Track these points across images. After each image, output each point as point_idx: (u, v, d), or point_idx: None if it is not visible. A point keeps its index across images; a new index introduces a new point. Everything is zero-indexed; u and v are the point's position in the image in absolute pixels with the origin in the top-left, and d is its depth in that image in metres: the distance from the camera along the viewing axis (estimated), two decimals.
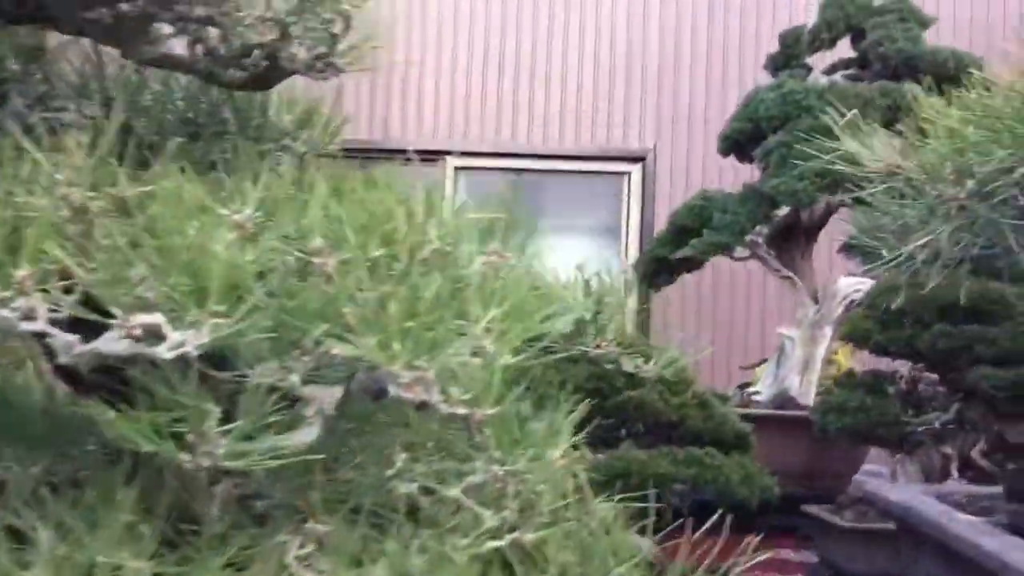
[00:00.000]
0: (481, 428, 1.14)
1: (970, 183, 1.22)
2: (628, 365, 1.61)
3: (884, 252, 1.45)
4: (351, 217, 0.96)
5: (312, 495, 0.95)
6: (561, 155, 6.18)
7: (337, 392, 0.89)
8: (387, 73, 6.26)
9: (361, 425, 1.12)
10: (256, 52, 0.99)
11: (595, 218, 6.34)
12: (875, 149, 1.34)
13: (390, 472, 1.04)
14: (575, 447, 1.22)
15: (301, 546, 0.97)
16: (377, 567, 0.96)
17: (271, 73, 1.02)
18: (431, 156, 5.93)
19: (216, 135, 1.21)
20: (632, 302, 5.47)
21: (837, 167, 1.44)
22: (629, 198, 6.29)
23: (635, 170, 6.31)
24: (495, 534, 1.06)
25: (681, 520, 1.14)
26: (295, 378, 0.83)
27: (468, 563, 1.01)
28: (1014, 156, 1.10)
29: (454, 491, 1.08)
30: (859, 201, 1.48)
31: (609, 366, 1.64)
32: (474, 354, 0.89)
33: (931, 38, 3.59)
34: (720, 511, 1.11)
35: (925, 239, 1.32)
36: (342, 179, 1.04)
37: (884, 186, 1.39)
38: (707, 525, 1.06)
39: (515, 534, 1.07)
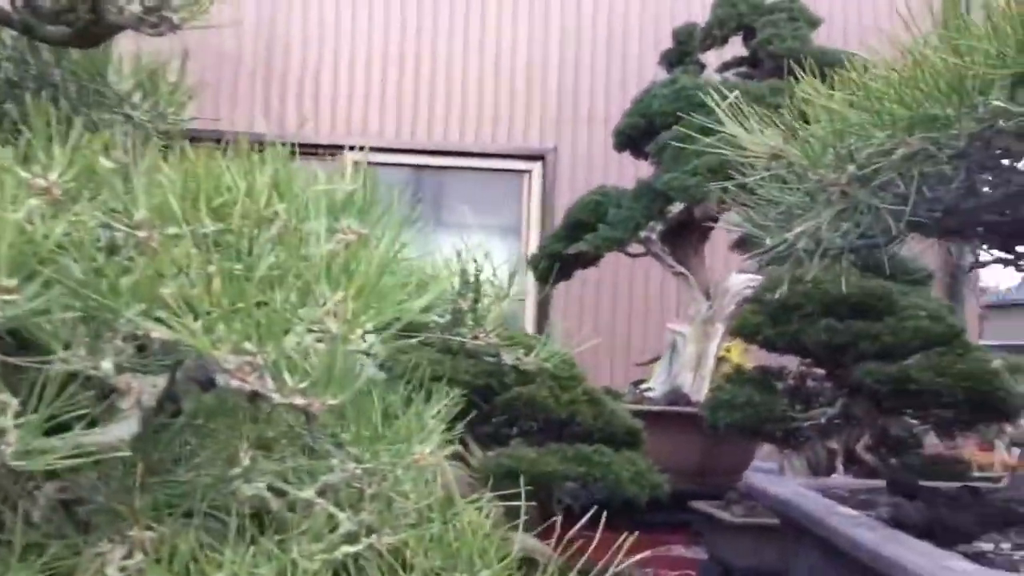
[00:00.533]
0: (342, 422, 1.05)
1: (850, 167, 1.18)
2: (508, 357, 1.54)
3: (767, 240, 1.41)
4: (183, 188, 0.86)
5: (137, 498, 0.85)
6: (461, 152, 6.11)
7: (160, 382, 0.80)
8: (283, 65, 6.08)
9: (205, 421, 1.02)
10: (80, 5, 0.88)
11: (495, 216, 6.29)
12: (758, 133, 1.29)
13: (234, 472, 0.94)
14: (454, 443, 1.15)
15: (128, 555, 0.87)
16: None
17: (97, 28, 0.91)
18: (329, 151, 5.78)
19: (51, 100, 1.09)
20: (531, 299, 5.44)
21: (722, 153, 1.39)
22: (529, 197, 6.25)
23: (535, 168, 6.27)
24: (351, 538, 0.98)
25: (573, 519, 1.08)
26: (107, 365, 0.73)
27: (320, 570, 0.92)
28: (893, 138, 1.07)
29: (307, 492, 0.98)
30: (743, 189, 1.44)
31: (490, 359, 1.56)
32: (318, 339, 0.80)
33: (823, 42, 3.64)
34: (594, 509, 1.05)
35: (805, 226, 1.28)
36: (182, 152, 0.94)
37: (768, 173, 1.35)
38: (580, 524, 1.00)
39: (373, 538, 0.99)
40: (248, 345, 0.71)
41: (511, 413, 2.45)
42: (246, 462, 0.96)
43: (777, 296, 2.34)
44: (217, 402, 1.04)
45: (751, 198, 1.42)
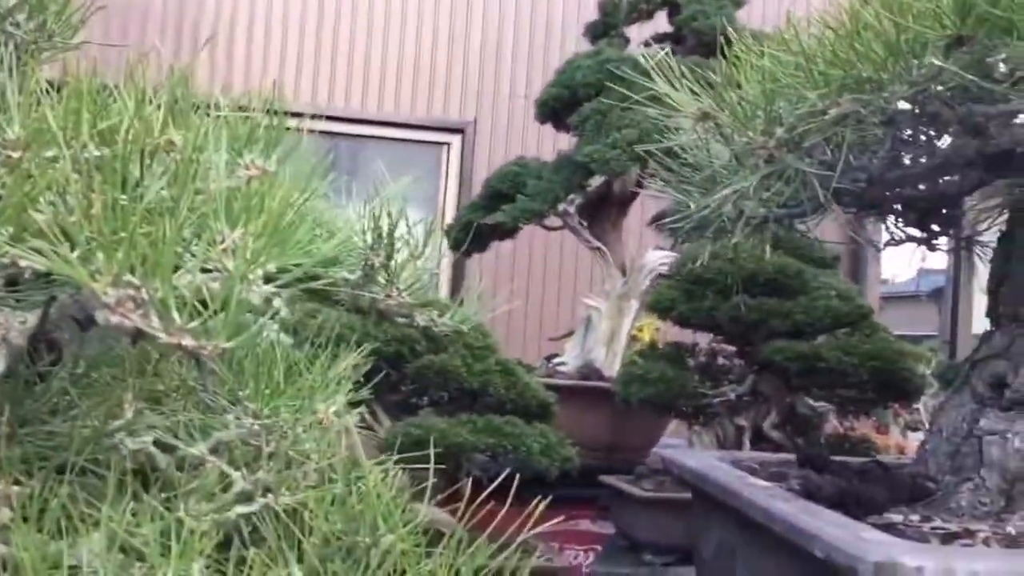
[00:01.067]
0: (241, 378, 0.98)
1: (779, 131, 1.15)
2: (422, 319, 1.48)
3: (690, 206, 1.37)
4: (66, 108, 0.77)
5: (3, 449, 0.77)
6: (378, 121, 5.98)
7: (31, 318, 0.72)
8: (195, 20, 5.86)
9: (87, 371, 0.94)
10: None
11: (411, 189, 6.19)
12: (687, 93, 1.25)
13: (116, 424, 0.86)
14: (361, 405, 1.10)
15: None
16: (91, 537, 0.79)
17: None
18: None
19: None
20: (445, 274, 5.37)
21: (649, 119, 1.36)
22: (447, 170, 6.17)
23: (454, 141, 6.20)
24: (245, 497, 0.91)
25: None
26: None
27: (210, 530, 0.85)
28: (825, 99, 1.04)
29: (198, 448, 0.91)
30: (668, 154, 1.40)
31: (402, 320, 1.50)
32: (213, 280, 0.73)
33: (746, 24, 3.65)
34: (503, 479, 1.00)
35: (729, 190, 1.25)
36: (71, 74, 0.85)
37: (695, 136, 1.32)
38: (486, 494, 0.95)
39: (269, 498, 0.92)
40: (131, 277, 0.64)
41: (422, 382, 2.39)
42: (129, 414, 0.89)
43: (697, 265, 2.33)
44: (101, 350, 0.96)
45: (676, 163, 1.39)
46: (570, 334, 3.56)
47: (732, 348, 2.79)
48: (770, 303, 2.52)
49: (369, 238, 1.42)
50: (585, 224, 3.43)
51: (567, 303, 5.28)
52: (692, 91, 1.26)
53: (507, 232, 3.40)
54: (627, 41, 3.61)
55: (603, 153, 2.98)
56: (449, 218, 6.07)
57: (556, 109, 3.42)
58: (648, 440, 3.27)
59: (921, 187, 1.42)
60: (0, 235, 0.65)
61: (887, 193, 1.38)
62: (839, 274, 3.23)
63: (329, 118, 5.90)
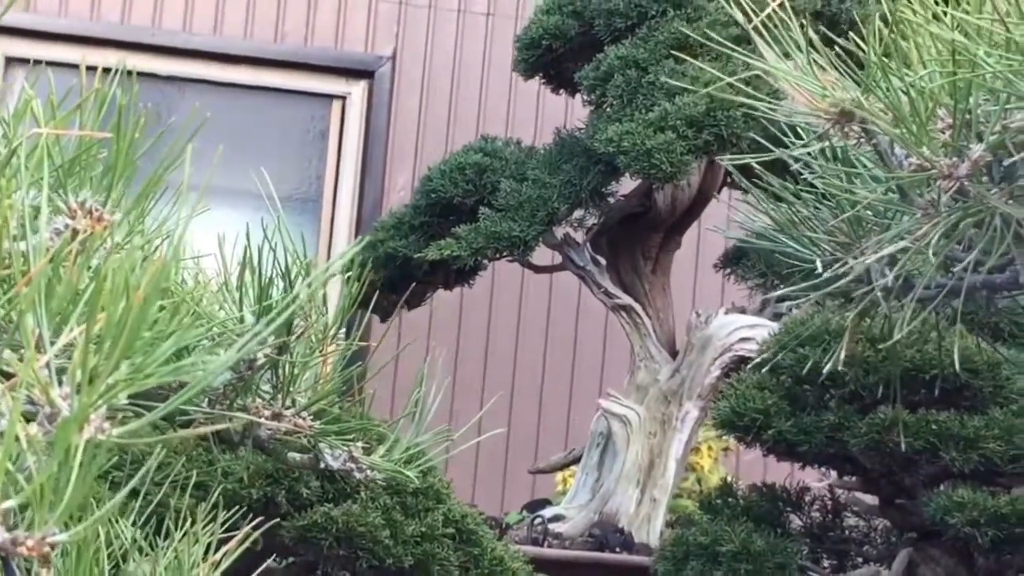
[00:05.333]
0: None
1: (977, 148, 1.24)
2: (333, 458, 1.55)
3: (817, 265, 1.47)
4: None
5: None
6: (217, 54, 6.02)
7: None
8: None
9: None
10: None
11: (276, 178, 6.24)
12: (812, 72, 1.36)
13: None
14: None
15: None
16: None
17: None
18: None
19: None
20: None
21: (739, 100, 1.46)
22: (341, 141, 6.22)
23: (355, 92, 6.26)
24: None
25: None
26: None
27: None
28: None
29: None
30: (772, 169, 1.49)
31: (297, 456, 1.58)
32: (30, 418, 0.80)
33: None
34: None
35: (891, 248, 1.34)
36: None
37: (823, 144, 1.42)
38: None
39: None
40: None
41: (308, 553, 2.45)
42: None
43: (810, 349, 2.40)
44: None
45: (793, 186, 1.48)
46: (573, 462, 3.61)
47: (871, 499, 2.85)
48: (942, 420, 2.58)
49: (245, 309, 1.50)
50: (604, 264, 3.49)
51: (580, 404, 5.27)
52: (818, 65, 1.35)
53: (461, 275, 3.44)
54: None
55: (641, 138, 3.05)
56: (343, 233, 6.08)
57: (553, 51, 3.48)
58: None
59: None
60: None
61: None
62: None
63: (126, 45, 5.95)
